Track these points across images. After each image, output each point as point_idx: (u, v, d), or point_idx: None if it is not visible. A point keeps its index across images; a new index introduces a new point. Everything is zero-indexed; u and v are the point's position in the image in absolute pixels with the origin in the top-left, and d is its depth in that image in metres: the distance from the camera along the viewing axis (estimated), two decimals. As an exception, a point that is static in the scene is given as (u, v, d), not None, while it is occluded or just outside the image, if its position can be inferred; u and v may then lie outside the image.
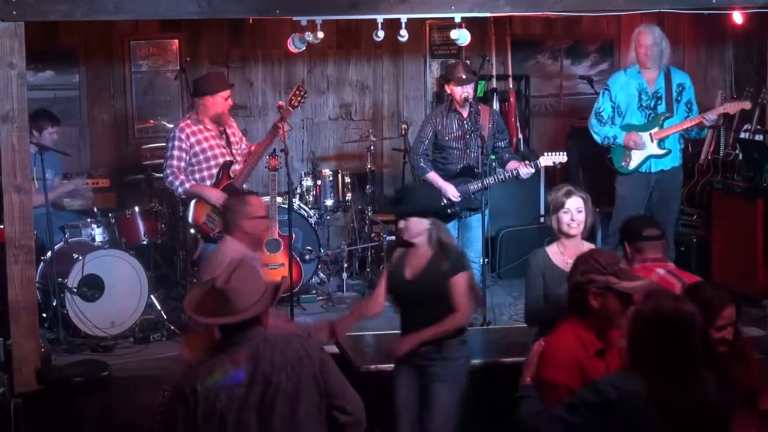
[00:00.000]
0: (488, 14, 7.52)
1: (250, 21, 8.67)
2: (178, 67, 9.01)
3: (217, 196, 6.93)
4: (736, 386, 4.15)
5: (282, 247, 7.94)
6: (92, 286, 7.43)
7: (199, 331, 5.21)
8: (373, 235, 8.71)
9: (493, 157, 7.41)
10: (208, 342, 4.92)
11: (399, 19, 6.70)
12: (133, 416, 6.04)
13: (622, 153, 7.61)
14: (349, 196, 8.81)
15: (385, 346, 5.43)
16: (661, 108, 7.54)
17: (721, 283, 4.30)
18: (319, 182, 8.74)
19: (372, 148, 8.97)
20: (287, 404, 3.75)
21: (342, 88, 9.70)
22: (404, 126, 8.89)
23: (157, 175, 8.11)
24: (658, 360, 3.66)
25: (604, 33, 9.83)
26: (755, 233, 7.89)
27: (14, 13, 5.89)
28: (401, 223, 5.26)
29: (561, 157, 7.47)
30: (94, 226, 7.86)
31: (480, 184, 7.30)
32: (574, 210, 5.33)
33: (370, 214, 8.69)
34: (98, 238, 7.82)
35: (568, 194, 5.36)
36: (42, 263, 7.35)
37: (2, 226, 6.35)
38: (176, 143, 7.06)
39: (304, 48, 7.27)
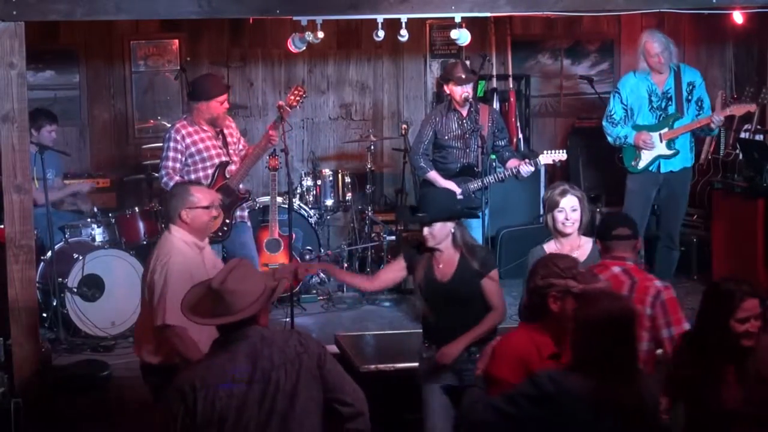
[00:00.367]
0: (488, 14, 7.51)
1: (250, 21, 8.67)
2: (178, 67, 9.00)
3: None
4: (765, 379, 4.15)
5: (282, 247, 7.95)
6: (92, 286, 7.43)
7: (142, 329, 5.23)
8: (373, 235, 8.70)
9: (493, 156, 7.41)
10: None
11: (399, 19, 6.69)
12: (133, 416, 6.04)
13: (632, 152, 7.62)
14: (349, 196, 8.81)
15: (435, 358, 5.20)
16: (672, 109, 7.55)
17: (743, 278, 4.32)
18: (319, 182, 8.74)
19: (372, 148, 8.97)
20: (286, 401, 3.76)
21: (342, 88, 9.70)
22: (404, 126, 8.89)
23: (157, 175, 8.10)
24: (602, 359, 3.71)
25: (604, 33, 9.83)
26: (755, 233, 7.90)
27: (14, 13, 5.88)
28: (425, 231, 5.25)
29: (561, 155, 7.47)
30: (94, 226, 7.87)
31: (480, 183, 7.30)
32: (569, 209, 5.39)
33: (370, 214, 8.69)
34: (98, 238, 7.82)
35: (563, 193, 5.42)
36: (42, 263, 7.36)
37: (2, 226, 6.35)
38: (172, 144, 7.05)
39: (304, 48, 7.27)
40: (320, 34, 6.95)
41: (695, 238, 8.66)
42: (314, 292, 8.46)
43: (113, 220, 7.90)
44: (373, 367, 5.74)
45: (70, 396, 6.25)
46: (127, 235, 7.88)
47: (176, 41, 9.37)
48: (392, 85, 9.77)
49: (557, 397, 3.71)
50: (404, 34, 6.82)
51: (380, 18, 6.66)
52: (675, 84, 7.56)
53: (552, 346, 4.15)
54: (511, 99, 9.46)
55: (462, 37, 7.11)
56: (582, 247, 5.40)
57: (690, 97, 7.59)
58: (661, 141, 7.52)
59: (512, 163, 7.42)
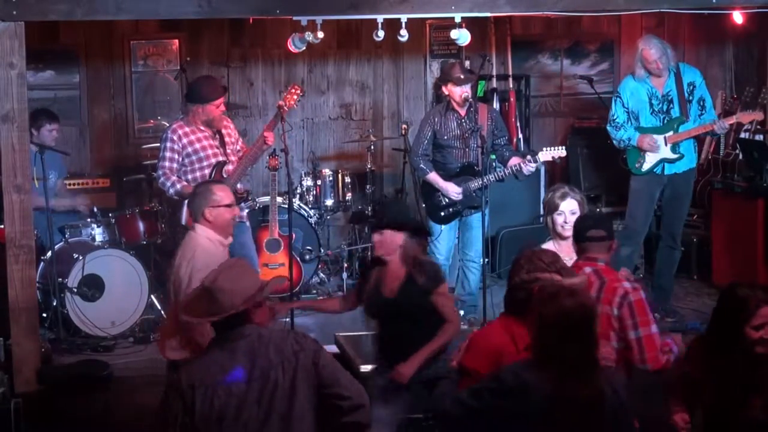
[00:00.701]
0: (488, 14, 7.51)
1: (250, 21, 8.67)
2: (178, 67, 9.02)
3: None
4: None
5: (282, 247, 7.95)
6: (92, 286, 7.44)
7: (169, 326, 5.26)
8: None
9: (493, 156, 7.41)
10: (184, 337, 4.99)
11: (399, 19, 6.70)
12: (133, 416, 6.04)
13: (636, 155, 7.61)
14: (349, 196, 8.81)
15: (390, 376, 5.19)
16: (675, 111, 7.53)
17: (759, 283, 4.32)
18: (319, 182, 8.74)
19: (372, 148, 8.97)
20: (284, 399, 3.78)
21: (342, 88, 9.70)
22: (404, 126, 8.87)
23: (155, 175, 8.10)
24: (559, 355, 3.71)
25: (604, 33, 9.83)
26: (755, 233, 7.90)
27: (14, 13, 5.90)
28: (375, 237, 5.25)
29: (560, 152, 7.44)
30: (94, 226, 7.87)
31: (480, 182, 7.30)
32: (568, 212, 5.42)
33: (370, 214, 8.69)
34: (98, 238, 7.82)
35: (563, 197, 5.44)
36: (42, 263, 7.36)
37: (2, 226, 6.36)
38: (168, 144, 7.05)
39: (304, 48, 7.26)
40: (320, 34, 6.95)
41: (695, 238, 8.65)
42: (314, 292, 8.47)
43: (113, 220, 7.90)
44: (372, 367, 5.73)
45: (70, 396, 6.24)
46: (127, 235, 7.89)
47: (176, 41, 9.37)
48: (392, 85, 9.77)
49: (517, 391, 3.71)
50: (404, 34, 6.82)
51: (380, 18, 6.67)
52: (676, 85, 7.54)
53: (528, 338, 4.16)
54: (511, 99, 9.46)
55: (462, 37, 7.11)
56: None
57: (691, 98, 7.58)
58: (666, 144, 7.50)
59: (513, 161, 7.41)
